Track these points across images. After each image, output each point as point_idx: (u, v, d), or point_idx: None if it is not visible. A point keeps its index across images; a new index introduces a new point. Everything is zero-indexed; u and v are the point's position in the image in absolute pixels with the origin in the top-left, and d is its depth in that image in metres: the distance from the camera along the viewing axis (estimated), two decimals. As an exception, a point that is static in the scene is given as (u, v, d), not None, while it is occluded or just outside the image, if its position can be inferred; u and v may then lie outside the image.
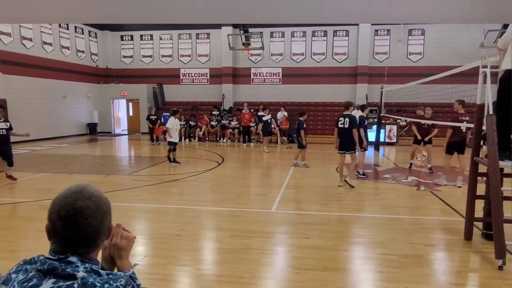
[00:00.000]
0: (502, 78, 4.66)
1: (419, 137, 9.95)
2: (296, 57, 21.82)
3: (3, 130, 8.34)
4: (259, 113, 18.13)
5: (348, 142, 8.25)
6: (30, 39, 17.42)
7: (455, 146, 8.16)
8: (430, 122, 9.54)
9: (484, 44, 15.58)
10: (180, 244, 4.87)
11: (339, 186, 8.18)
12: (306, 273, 3.96)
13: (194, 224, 5.74)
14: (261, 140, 17.63)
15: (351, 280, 3.93)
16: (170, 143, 10.94)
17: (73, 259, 1.08)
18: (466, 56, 14.97)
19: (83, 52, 21.49)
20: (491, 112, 4.63)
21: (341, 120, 8.30)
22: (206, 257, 4.67)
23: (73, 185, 1.17)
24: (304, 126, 10.86)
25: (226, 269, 4.12)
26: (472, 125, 7.57)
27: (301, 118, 10.84)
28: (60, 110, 19.26)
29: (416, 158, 12.26)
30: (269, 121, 14.96)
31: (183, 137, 17.49)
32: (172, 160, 11.03)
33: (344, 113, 8.35)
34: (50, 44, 18.74)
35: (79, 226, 1.10)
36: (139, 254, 4.44)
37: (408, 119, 12.03)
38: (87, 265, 1.09)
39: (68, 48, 20.10)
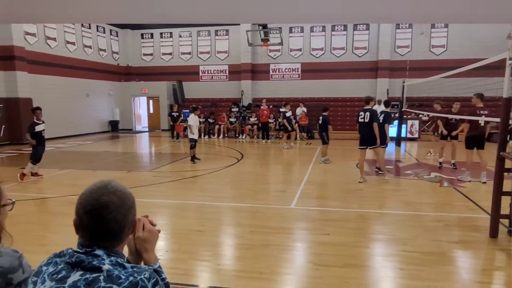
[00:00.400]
0: None
1: (444, 132, 9.63)
2: (316, 52, 21.62)
3: (44, 131, 8.62)
4: (281, 109, 18.08)
5: (369, 137, 8.13)
6: (54, 39, 17.86)
7: (474, 140, 7.98)
8: (458, 117, 9.27)
9: (511, 35, 15.02)
10: (200, 239, 4.93)
11: (359, 182, 8.08)
12: (326, 270, 3.94)
13: (214, 220, 5.79)
14: (280, 137, 17.60)
15: (372, 277, 3.89)
16: (191, 139, 10.84)
17: (99, 252, 1.12)
18: (492, 48, 14.49)
19: (104, 50, 21.90)
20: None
21: (361, 115, 8.21)
22: (226, 252, 4.71)
23: (98, 181, 1.21)
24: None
25: (246, 264, 4.15)
26: (491, 119, 7.40)
27: (325, 114, 10.75)
28: (83, 108, 19.70)
29: (429, 153, 12.00)
30: (290, 117, 14.86)
31: (202, 134, 17.59)
32: (192, 156, 10.96)
33: (365, 107, 8.26)
34: (73, 44, 19.17)
35: (104, 220, 1.13)
36: (161, 249, 4.52)
37: (431, 114, 11.73)
38: (112, 258, 1.12)
39: (90, 47, 20.51)
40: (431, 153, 11.83)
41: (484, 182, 7.81)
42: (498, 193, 4.86)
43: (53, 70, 17.70)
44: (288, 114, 14.53)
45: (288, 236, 5.05)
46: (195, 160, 10.90)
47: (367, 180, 8.20)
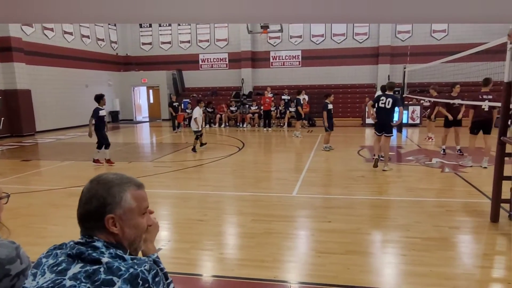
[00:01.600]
0: None
1: (450, 118, 9.24)
2: (316, 38, 21.44)
3: (105, 116, 9.34)
4: (283, 97, 18.07)
5: (387, 124, 7.92)
6: (51, 29, 17.71)
7: (479, 125, 7.91)
8: (457, 101, 9.08)
9: (512, 19, 14.73)
10: (202, 229, 4.95)
11: (383, 170, 7.84)
12: (329, 257, 3.96)
13: (216, 209, 5.81)
14: (281, 125, 17.60)
15: (374, 263, 3.91)
16: (196, 131, 11.10)
17: (98, 244, 1.13)
18: (494, 32, 14.38)
19: (103, 40, 21.73)
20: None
21: (382, 99, 7.90)
22: (228, 241, 4.73)
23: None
24: (329, 107, 10.61)
25: (248, 253, 4.17)
26: (495, 104, 7.33)
27: (326, 101, 10.64)
28: (82, 99, 19.57)
29: (429, 139, 11.97)
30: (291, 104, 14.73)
31: (203, 123, 17.50)
32: (201, 144, 11.31)
33: (386, 93, 8.00)
34: (71, 34, 19.02)
35: (82, 201, 1.18)
36: (163, 239, 4.54)
37: (432, 100, 11.66)
38: (111, 250, 1.13)
39: (88, 37, 20.35)
40: (432, 139, 11.81)
41: (485, 167, 7.80)
42: (499, 178, 4.85)
43: (51, 61, 17.60)
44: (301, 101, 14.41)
45: (290, 224, 5.06)
46: (196, 150, 10.99)
47: (365, 167, 8.19)
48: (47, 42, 17.45)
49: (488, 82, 7.72)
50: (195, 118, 10.97)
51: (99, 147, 9.23)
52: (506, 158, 4.87)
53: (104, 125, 9.17)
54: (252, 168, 8.91)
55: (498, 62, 6.87)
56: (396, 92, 15.71)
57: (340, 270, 3.66)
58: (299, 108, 14.24)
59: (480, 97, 7.66)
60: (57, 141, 14.31)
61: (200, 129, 11.10)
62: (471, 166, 8.06)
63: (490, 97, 7.49)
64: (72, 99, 18.76)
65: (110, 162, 9.26)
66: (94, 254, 1.09)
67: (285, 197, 6.27)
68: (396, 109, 8.12)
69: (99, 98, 9.07)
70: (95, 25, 20.98)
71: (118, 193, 1.18)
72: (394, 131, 8.81)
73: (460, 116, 9.19)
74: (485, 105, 7.56)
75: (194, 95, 21.75)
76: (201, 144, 11.41)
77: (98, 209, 1.16)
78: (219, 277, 3.69)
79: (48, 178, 8.26)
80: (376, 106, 8.10)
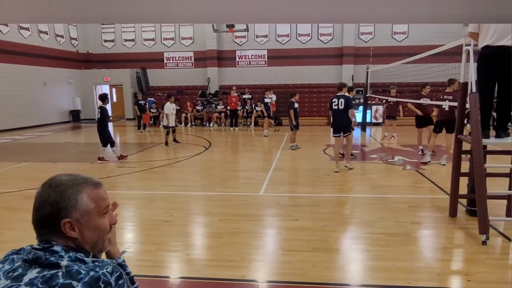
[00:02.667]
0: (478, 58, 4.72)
1: (419, 113, 9.25)
2: (281, 38, 21.60)
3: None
4: (244, 95, 18.12)
5: (344, 124, 7.90)
6: (6, 24, 16.81)
7: (442, 124, 8.25)
8: (427, 101, 9.12)
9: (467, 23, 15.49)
10: (168, 230, 4.86)
11: (336, 172, 7.76)
12: (296, 255, 3.99)
13: (182, 209, 5.72)
14: (248, 124, 17.62)
15: (340, 260, 3.98)
16: (167, 126, 11.66)
17: (57, 248, 1.07)
18: (452, 35, 14.99)
19: (62, 36, 20.86)
20: (474, 90, 4.66)
21: (334, 102, 7.89)
22: (195, 242, 4.66)
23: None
24: (295, 106, 10.72)
25: (215, 253, 4.13)
26: (454, 104, 7.64)
27: (292, 99, 10.74)
28: (41, 97, 18.78)
29: (385, 137, 12.37)
30: (268, 104, 14.70)
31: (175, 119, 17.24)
32: (173, 139, 11.87)
33: (338, 94, 7.98)
34: (27, 29, 18.13)
35: (34, 212, 1.12)
36: (128, 241, 4.41)
37: (395, 99, 12.02)
38: (71, 254, 1.07)
39: (46, 33, 19.48)
40: (394, 137, 12.22)
41: (444, 165, 8.14)
42: (457, 174, 5.07)
43: (6, 58, 16.70)
44: (267, 101, 14.43)
45: (257, 223, 5.06)
46: (175, 142, 11.80)
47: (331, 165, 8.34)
48: (1, 37, 16.56)
49: (451, 83, 8.00)
50: (166, 114, 11.46)
51: (105, 145, 9.16)
52: (463, 156, 5.11)
53: (107, 123, 9.25)
54: (219, 168, 8.85)
55: (455, 63, 7.18)
56: (360, 92, 16.18)
57: (307, 268, 3.70)
58: (263, 106, 14.36)
59: (442, 97, 7.97)
60: (13, 141, 13.61)
61: (170, 125, 11.52)
62: (429, 162, 8.38)
63: (451, 97, 7.75)
64: (29, 97, 17.90)
65: (104, 159, 9.32)
66: (52, 258, 1.03)
67: (252, 196, 6.26)
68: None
69: (104, 98, 9.04)
70: (54, 20, 20.11)
71: (73, 196, 1.11)
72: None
73: (434, 113, 9.22)
74: (445, 105, 7.86)
75: (159, 94, 21.35)
76: (174, 140, 11.83)
77: (52, 214, 1.09)
78: (186, 278, 3.63)
79: (3, 180, 7.82)
80: (331, 108, 8.10)
